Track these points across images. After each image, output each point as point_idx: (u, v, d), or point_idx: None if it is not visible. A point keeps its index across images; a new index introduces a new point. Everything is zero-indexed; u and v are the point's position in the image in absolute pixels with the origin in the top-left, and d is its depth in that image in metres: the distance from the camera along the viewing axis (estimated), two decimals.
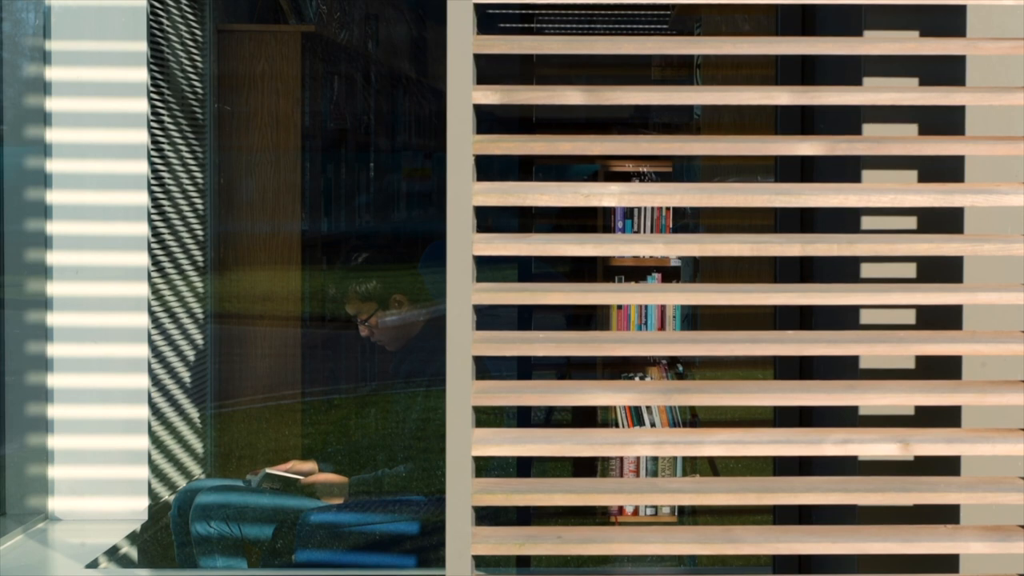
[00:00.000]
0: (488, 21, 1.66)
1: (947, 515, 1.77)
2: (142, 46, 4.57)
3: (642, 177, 5.66)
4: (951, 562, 1.75)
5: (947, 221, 1.79)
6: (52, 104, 4.50)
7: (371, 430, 7.30)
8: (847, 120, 1.88)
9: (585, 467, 6.41)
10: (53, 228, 4.59)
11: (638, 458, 5.97)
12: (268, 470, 4.70)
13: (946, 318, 1.79)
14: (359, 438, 7.03)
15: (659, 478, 5.87)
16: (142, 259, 4.67)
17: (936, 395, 1.68)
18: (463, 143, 1.61)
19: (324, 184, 6.08)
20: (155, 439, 4.59)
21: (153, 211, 4.64)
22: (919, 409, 1.81)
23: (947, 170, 1.79)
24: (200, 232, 4.90)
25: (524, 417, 6.51)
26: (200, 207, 4.80)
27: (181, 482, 4.92)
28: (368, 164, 6.07)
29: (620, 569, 5.20)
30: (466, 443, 1.59)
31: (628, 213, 5.71)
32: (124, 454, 4.59)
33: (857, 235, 1.76)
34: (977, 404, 1.68)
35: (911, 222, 1.83)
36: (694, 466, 6.34)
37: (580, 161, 5.60)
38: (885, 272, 1.84)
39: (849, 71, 1.87)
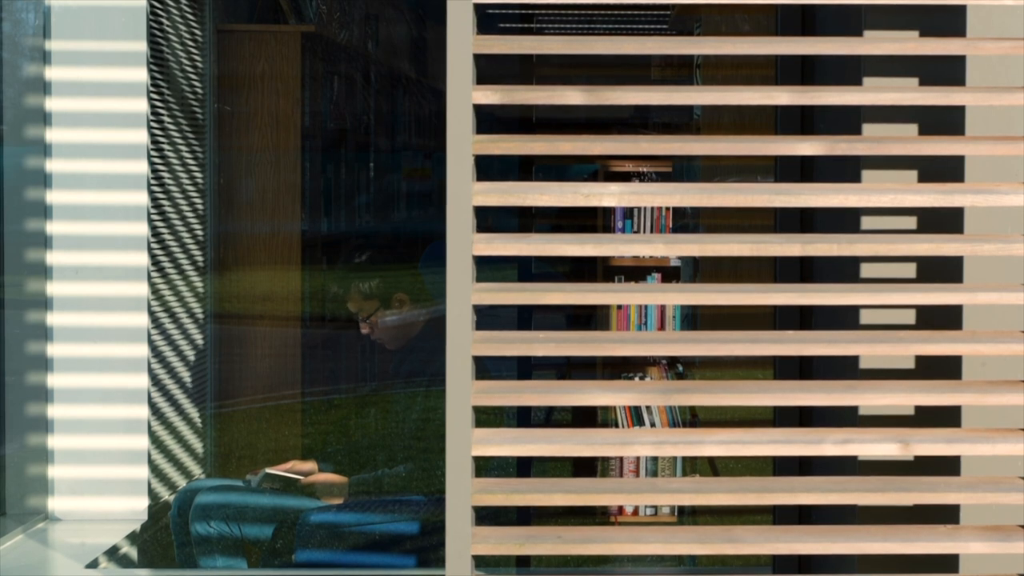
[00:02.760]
0: (488, 21, 1.67)
1: (947, 515, 1.77)
2: (142, 46, 4.56)
3: (642, 177, 5.66)
4: (951, 562, 1.75)
5: (947, 221, 1.79)
6: (52, 104, 4.50)
7: (371, 430, 7.30)
8: (847, 120, 1.88)
9: (585, 467, 6.41)
10: (53, 228, 4.59)
11: (638, 458, 5.97)
12: (268, 470, 4.70)
13: (946, 318, 1.79)
14: (359, 438, 7.03)
15: (659, 478, 5.87)
16: (142, 259, 4.67)
17: (936, 395, 1.68)
18: (463, 143, 1.61)
19: (324, 184, 6.07)
20: (155, 439, 4.59)
21: (153, 211, 4.64)
22: (919, 409, 1.82)
23: (947, 170, 1.79)
24: (200, 232, 4.90)
25: (524, 417, 6.50)
26: (200, 207, 4.80)
27: (181, 482, 4.92)
28: (368, 164, 6.07)
29: (620, 569, 5.20)
30: (466, 443, 1.60)
31: (628, 213, 5.71)
32: (124, 454, 4.59)
33: (857, 235, 1.77)
34: (977, 404, 1.68)
35: (911, 222, 1.83)
36: (694, 466, 6.34)
37: (580, 161, 5.61)
38: (885, 272, 1.84)
39: (849, 71, 1.87)
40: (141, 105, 4.54)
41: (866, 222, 1.83)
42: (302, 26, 5.20)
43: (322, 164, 5.98)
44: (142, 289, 4.67)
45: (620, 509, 5.88)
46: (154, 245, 4.66)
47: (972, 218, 1.79)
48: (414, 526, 4.74)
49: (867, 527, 1.68)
